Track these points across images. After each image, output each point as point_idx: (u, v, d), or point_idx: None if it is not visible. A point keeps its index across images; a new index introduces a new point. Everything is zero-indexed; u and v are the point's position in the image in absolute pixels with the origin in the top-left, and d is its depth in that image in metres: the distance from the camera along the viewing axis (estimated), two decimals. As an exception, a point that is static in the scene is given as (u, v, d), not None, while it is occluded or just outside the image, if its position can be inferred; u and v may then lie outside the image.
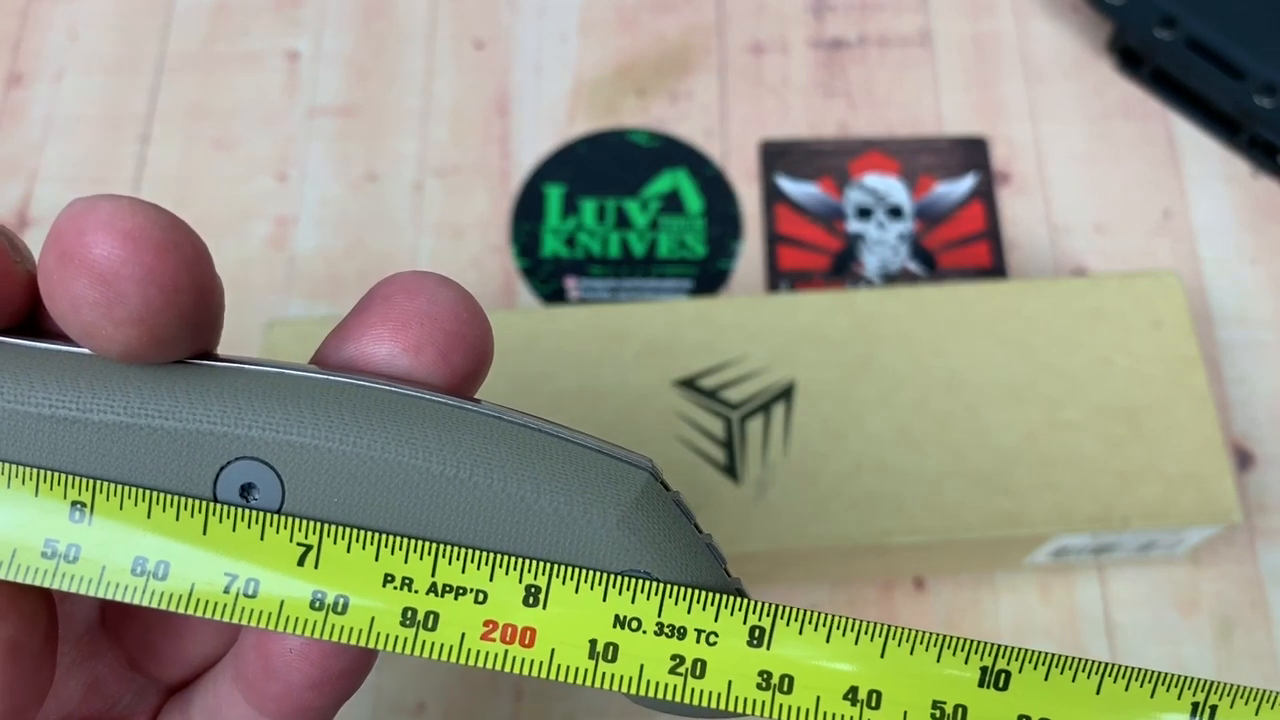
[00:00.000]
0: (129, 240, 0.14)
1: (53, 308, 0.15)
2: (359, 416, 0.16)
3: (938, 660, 0.16)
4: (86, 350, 0.16)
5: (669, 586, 0.16)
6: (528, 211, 0.41)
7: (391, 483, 0.16)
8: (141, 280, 0.14)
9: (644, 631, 0.16)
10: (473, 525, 0.16)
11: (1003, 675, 0.16)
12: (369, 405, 0.16)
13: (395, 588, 0.16)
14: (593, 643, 0.16)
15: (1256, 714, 0.16)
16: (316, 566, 0.16)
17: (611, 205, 0.41)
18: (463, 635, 0.16)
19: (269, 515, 0.16)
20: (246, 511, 0.16)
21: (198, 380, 0.16)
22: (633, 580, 0.16)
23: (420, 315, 0.17)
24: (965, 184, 0.41)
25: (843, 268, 0.40)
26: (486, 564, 0.16)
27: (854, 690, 0.16)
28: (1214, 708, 0.16)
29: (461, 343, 0.17)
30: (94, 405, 0.16)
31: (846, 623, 0.16)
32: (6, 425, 0.16)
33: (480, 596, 0.16)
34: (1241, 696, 0.16)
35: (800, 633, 0.16)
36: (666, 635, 0.16)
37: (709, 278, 0.40)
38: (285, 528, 0.16)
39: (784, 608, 0.16)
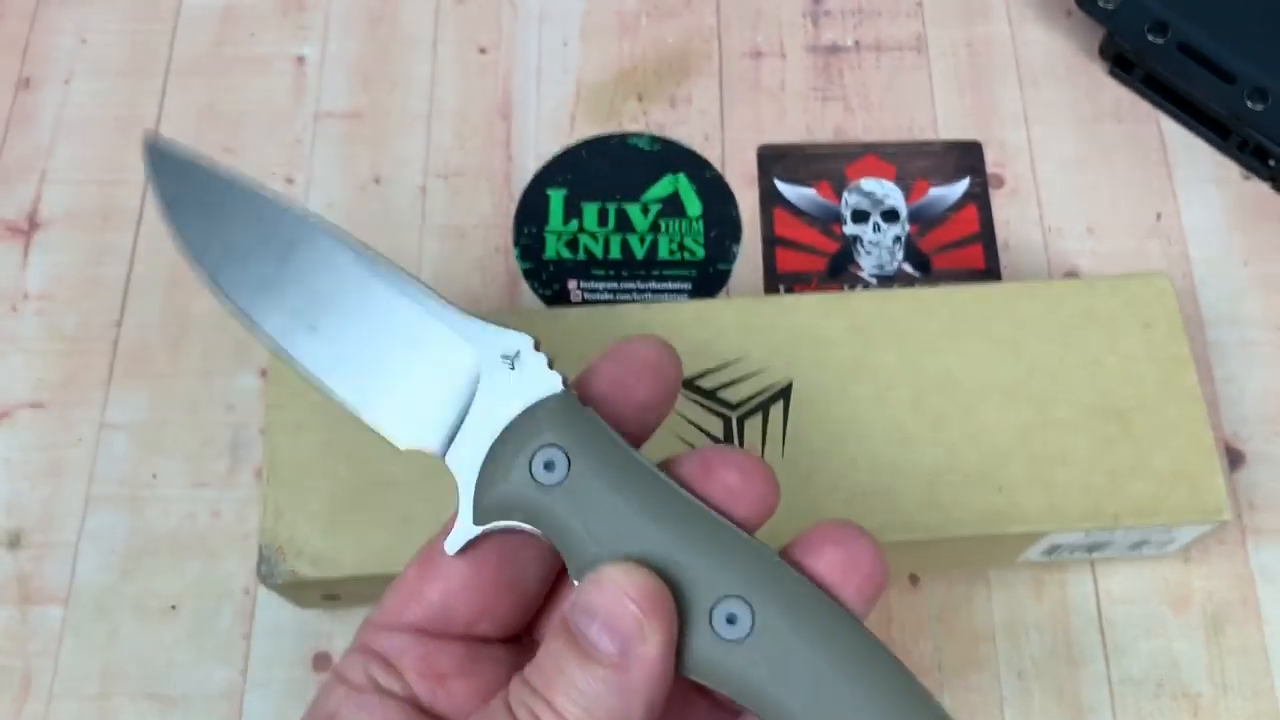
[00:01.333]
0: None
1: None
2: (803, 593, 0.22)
3: None
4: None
5: None
6: (530, 214, 0.42)
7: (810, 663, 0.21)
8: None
9: None
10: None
11: None
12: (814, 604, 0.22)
13: None
14: None
15: None
16: None
17: (612, 208, 0.42)
18: None
19: None
20: None
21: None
22: None
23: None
24: (959, 187, 0.42)
25: (839, 270, 0.41)
26: None
27: None
28: None
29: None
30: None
31: None
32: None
33: None
34: None
35: None
36: None
37: (708, 279, 0.41)
38: None
39: None
